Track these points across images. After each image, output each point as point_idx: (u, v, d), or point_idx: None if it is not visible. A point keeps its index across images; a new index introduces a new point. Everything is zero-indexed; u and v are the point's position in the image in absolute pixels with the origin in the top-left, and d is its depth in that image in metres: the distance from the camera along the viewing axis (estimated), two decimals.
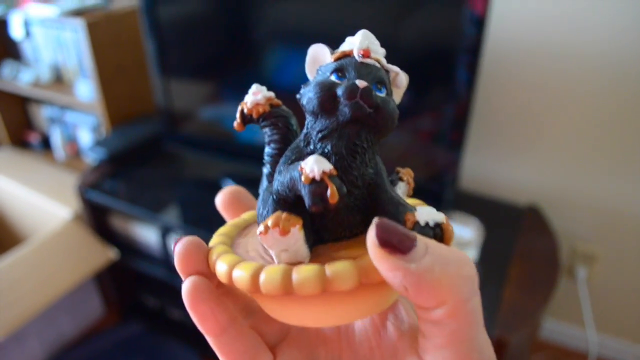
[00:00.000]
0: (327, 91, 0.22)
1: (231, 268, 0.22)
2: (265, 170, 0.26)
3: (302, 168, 0.21)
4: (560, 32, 1.09)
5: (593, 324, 1.36)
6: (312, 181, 0.20)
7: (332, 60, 0.24)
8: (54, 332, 1.48)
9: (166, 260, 1.36)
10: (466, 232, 1.00)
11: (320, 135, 0.23)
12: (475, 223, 1.02)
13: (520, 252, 1.09)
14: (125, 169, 1.42)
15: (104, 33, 1.37)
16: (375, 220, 0.19)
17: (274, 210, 0.22)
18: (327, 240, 0.23)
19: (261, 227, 0.21)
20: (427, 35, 0.96)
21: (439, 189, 1.07)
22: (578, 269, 1.32)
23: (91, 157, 1.40)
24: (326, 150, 0.22)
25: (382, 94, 0.23)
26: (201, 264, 0.24)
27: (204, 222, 1.20)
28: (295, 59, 1.09)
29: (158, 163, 1.46)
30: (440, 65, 0.97)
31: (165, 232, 1.31)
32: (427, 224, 0.21)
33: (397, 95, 0.25)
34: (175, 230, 1.27)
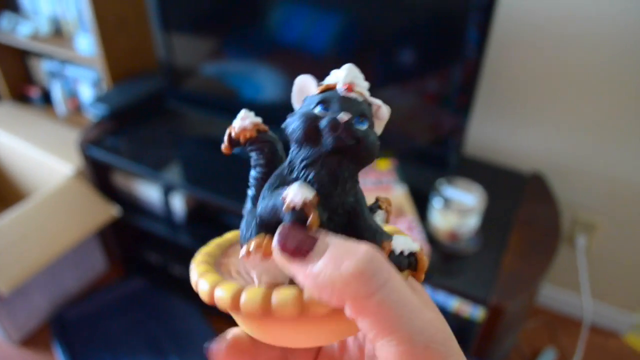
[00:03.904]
0: (311, 122, 0.23)
1: (213, 287, 0.22)
2: (250, 192, 0.27)
3: (284, 197, 0.22)
4: None
5: (589, 292, 1.38)
6: (293, 209, 0.21)
7: (317, 92, 0.24)
8: (58, 286, 1.50)
9: (168, 217, 1.36)
10: (469, 198, 1.00)
11: (303, 163, 0.23)
12: (478, 189, 1.02)
13: (522, 220, 1.09)
14: (127, 125, 1.40)
15: None
16: (279, 226, 0.20)
17: (257, 233, 0.24)
18: None
19: (244, 250, 0.22)
20: None
21: (443, 154, 1.06)
22: (578, 237, 1.33)
23: (92, 113, 1.38)
24: (309, 179, 0.23)
25: (364, 127, 0.23)
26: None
27: (206, 180, 1.20)
28: (299, 15, 1.06)
29: (160, 120, 1.45)
30: (448, 24, 0.94)
31: (167, 190, 1.31)
32: (402, 252, 0.22)
33: (379, 127, 0.25)
34: (177, 188, 1.27)
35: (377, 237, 0.23)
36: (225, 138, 0.27)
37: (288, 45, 1.10)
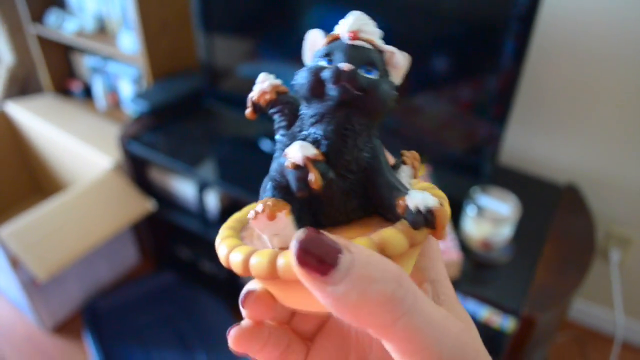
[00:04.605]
0: (314, 76, 0.22)
1: (229, 251, 0.22)
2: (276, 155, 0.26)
3: (286, 154, 0.21)
4: (614, 11, 1.04)
5: (622, 308, 1.35)
6: (296, 167, 0.21)
7: (324, 44, 0.24)
8: (92, 277, 1.54)
9: (201, 214, 1.39)
10: (503, 208, 0.99)
11: (311, 120, 0.23)
12: (512, 199, 1.01)
13: (556, 232, 1.08)
14: (166, 122, 1.44)
15: None
16: (297, 234, 0.18)
17: (272, 194, 0.23)
18: (325, 225, 0.23)
19: (252, 213, 0.21)
20: (476, 1, 0.93)
21: (478, 162, 1.06)
22: (612, 251, 1.31)
23: (133, 109, 1.42)
24: (317, 135, 0.22)
25: (372, 75, 0.22)
26: (265, 313, 0.25)
27: (240, 178, 1.22)
28: (334, 19, 1.07)
29: (197, 119, 1.47)
30: (487, 33, 0.94)
31: (202, 186, 1.34)
32: (417, 209, 0.20)
33: (397, 76, 0.24)
34: (212, 185, 1.29)
35: (393, 193, 0.22)
36: (248, 103, 0.26)
37: None
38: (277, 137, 0.26)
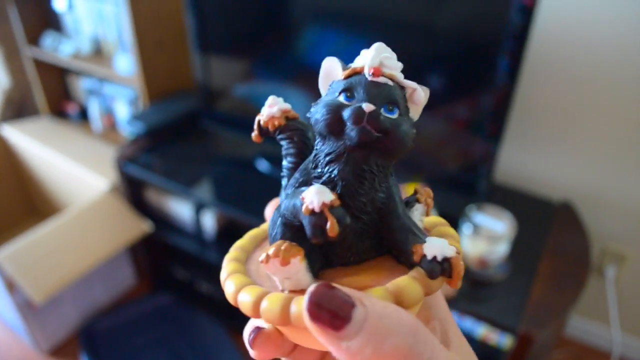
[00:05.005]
0: (333, 114, 0.21)
1: (238, 290, 0.21)
2: (284, 182, 0.26)
3: (303, 198, 0.20)
4: (607, 29, 1.06)
5: (618, 324, 1.35)
6: (312, 213, 0.20)
7: (343, 77, 0.23)
8: (88, 299, 1.53)
9: (198, 234, 1.39)
10: (499, 225, 1.00)
11: (327, 158, 0.22)
12: (508, 217, 1.02)
13: (551, 249, 1.08)
14: (162, 143, 1.44)
15: (145, 7, 1.38)
16: (310, 289, 0.17)
17: (282, 232, 0.22)
18: (336, 265, 0.23)
19: (263, 256, 0.20)
20: (470, 20, 0.94)
21: (473, 181, 1.07)
22: (607, 268, 1.31)
23: (129, 131, 1.42)
24: (332, 175, 0.22)
25: (393, 115, 0.22)
26: (274, 352, 0.24)
27: (237, 199, 1.22)
28: (330, 39, 1.08)
29: (193, 139, 1.48)
30: (481, 51, 0.96)
31: (198, 207, 1.34)
32: (434, 258, 0.20)
33: (415, 112, 0.23)
34: (209, 206, 1.30)
35: (409, 238, 0.21)
36: (255, 126, 0.25)
37: (319, 69, 1.13)
38: (285, 163, 0.26)
